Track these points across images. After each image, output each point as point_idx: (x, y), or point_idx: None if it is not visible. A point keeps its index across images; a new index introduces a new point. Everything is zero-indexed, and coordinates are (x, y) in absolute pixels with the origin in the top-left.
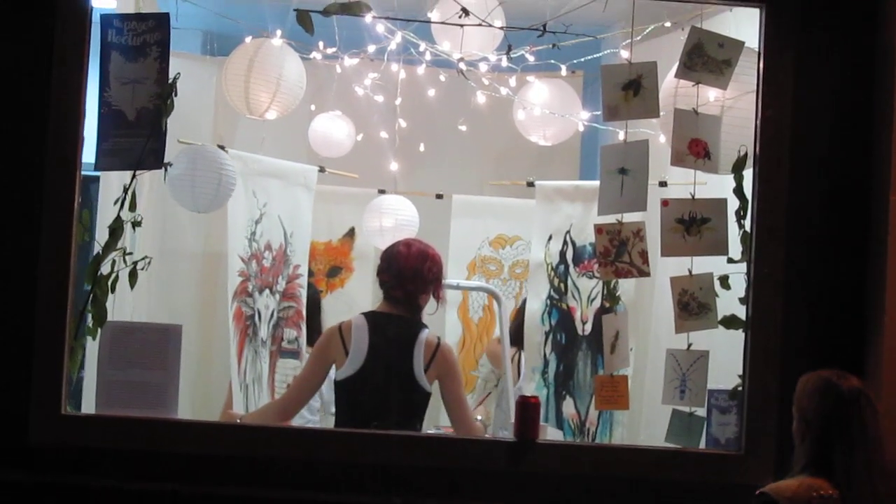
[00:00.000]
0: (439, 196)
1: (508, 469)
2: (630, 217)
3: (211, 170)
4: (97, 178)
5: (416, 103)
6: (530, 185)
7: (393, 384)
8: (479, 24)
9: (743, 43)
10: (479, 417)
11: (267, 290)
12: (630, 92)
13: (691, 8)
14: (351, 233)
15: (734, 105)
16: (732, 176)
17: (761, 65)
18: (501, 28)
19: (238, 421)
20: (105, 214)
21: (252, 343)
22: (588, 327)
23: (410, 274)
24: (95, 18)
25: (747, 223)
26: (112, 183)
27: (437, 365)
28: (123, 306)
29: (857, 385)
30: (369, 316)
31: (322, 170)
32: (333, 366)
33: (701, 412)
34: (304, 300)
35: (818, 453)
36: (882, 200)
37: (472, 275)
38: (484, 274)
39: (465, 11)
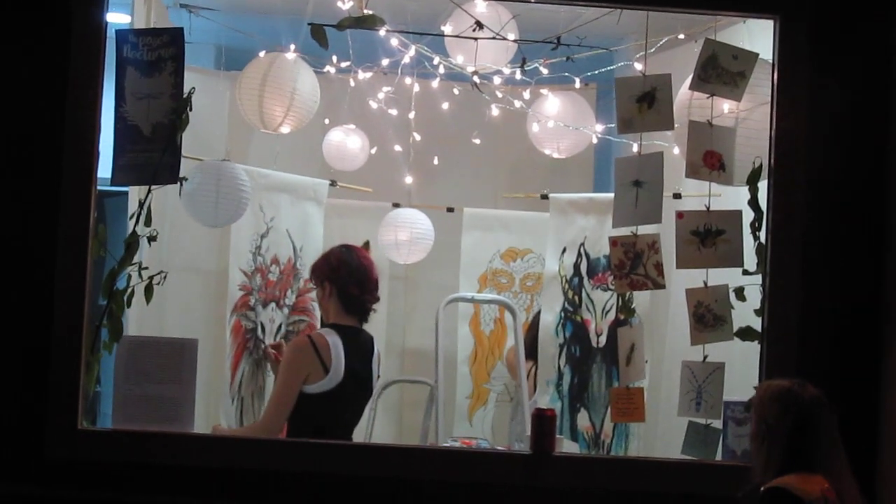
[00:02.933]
0: (450, 209)
1: (525, 482)
2: (645, 229)
3: (232, 186)
4: (113, 193)
5: (429, 116)
6: (544, 197)
7: (365, 396)
8: (493, 38)
9: (757, 55)
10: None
11: (273, 304)
12: (644, 104)
13: (705, 20)
14: (366, 246)
15: (748, 117)
16: (747, 188)
17: (775, 76)
18: (515, 41)
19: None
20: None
21: (252, 356)
22: (602, 339)
23: (375, 285)
24: (110, 34)
25: (762, 235)
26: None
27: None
28: (129, 323)
29: (816, 393)
30: (339, 331)
31: (333, 183)
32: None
33: (717, 424)
34: (317, 314)
35: (798, 456)
36: None
37: (483, 288)
38: (495, 287)
39: (479, 25)
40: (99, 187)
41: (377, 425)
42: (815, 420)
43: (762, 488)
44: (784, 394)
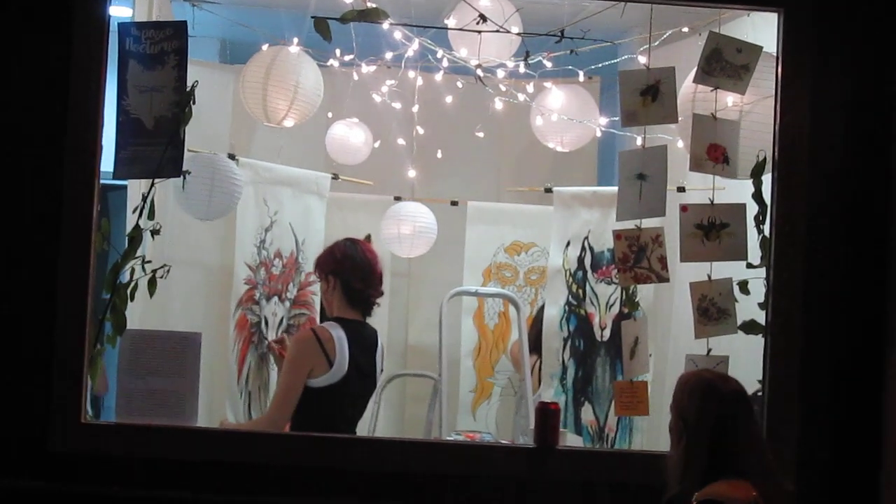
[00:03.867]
0: (454, 203)
1: (529, 475)
2: (649, 223)
3: (226, 179)
4: (116, 187)
5: (433, 110)
6: (548, 191)
7: (368, 390)
8: (497, 31)
9: (761, 48)
10: None
11: (276, 298)
12: (648, 97)
13: (709, 13)
14: (367, 239)
15: (752, 110)
16: (751, 181)
17: (779, 69)
18: (519, 34)
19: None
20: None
21: (258, 350)
22: (606, 333)
23: (379, 279)
24: (113, 27)
25: (766, 228)
26: (138, 192)
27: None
28: (132, 317)
29: (738, 388)
30: (343, 324)
31: (336, 177)
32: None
33: None
34: (317, 307)
35: (720, 457)
36: None
37: (487, 281)
38: (499, 280)
39: (483, 18)
40: (102, 181)
41: (380, 419)
42: (737, 418)
43: (694, 499)
44: (704, 388)
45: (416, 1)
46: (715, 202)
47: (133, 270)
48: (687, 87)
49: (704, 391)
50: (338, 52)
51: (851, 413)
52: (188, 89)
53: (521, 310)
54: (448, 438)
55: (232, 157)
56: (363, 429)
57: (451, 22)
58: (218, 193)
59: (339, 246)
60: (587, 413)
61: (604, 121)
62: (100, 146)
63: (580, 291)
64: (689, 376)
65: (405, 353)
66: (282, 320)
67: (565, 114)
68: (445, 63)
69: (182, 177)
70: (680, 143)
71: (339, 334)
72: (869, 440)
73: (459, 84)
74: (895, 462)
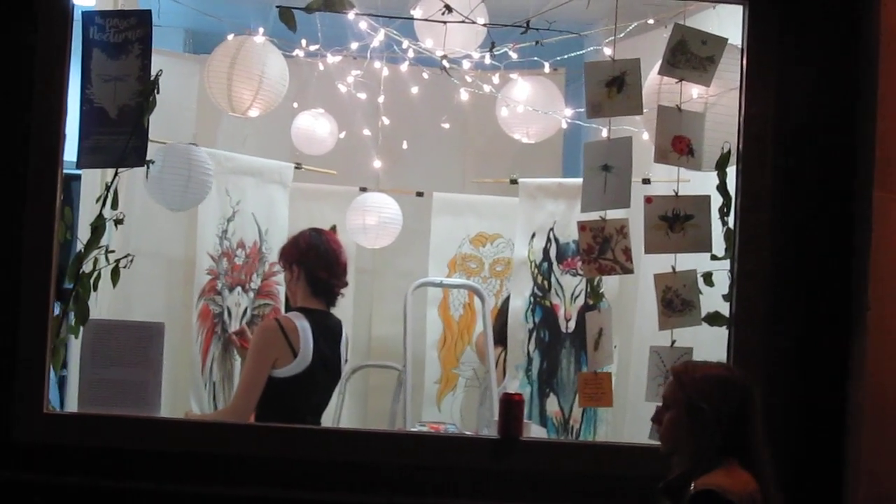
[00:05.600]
0: (420, 194)
1: (492, 466)
2: (614, 214)
3: (201, 170)
4: (79, 176)
5: (398, 101)
6: (514, 182)
7: (333, 380)
8: (462, 21)
9: (726, 40)
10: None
11: (239, 288)
12: (613, 89)
13: (675, 5)
14: (332, 230)
15: (717, 102)
16: (716, 173)
17: (744, 61)
18: (484, 25)
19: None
20: (86, 212)
21: (220, 340)
22: (571, 325)
23: (344, 269)
24: (77, 16)
25: (731, 220)
26: (91, 181)
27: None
28: (95, 307)
29: (749, 380)
30: (307, 314)
31: (298, 166)
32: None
33: None
34: (282, 298)
35: (731, 447)
36: (866, 197)
37: (452, 272)
38: (464, 272)
39: (448, 8)
40: (65, 170)
41: (345, 411)
42: (755, 405)
43: (692, 487)
44: (723, 377)
45: None
46: (679, 194)
47: (96, 260)
48: (652, 79)
49: (724, 380)
50: (303, 42)
51: (816, 405)
52: (152, 78)
53: (486, 301)
54: (413, 429)
55: (194, 146)
56: (328, 420)
57: (416, 12)
58: (194, 184)
59: (303, 236)
60: (552, 404)
61: (569, 112)
62: (63, 135)
63: (545, 283)
64: (695, 365)
65: (369, 345)
66: (245, 311)
67: (531, 105)
68: (411, 54)
69: (146, 166)
70: (645, 135)
71: (303, 324)
72: (833, 428)
73: (425, 75)
74: (858, 456)
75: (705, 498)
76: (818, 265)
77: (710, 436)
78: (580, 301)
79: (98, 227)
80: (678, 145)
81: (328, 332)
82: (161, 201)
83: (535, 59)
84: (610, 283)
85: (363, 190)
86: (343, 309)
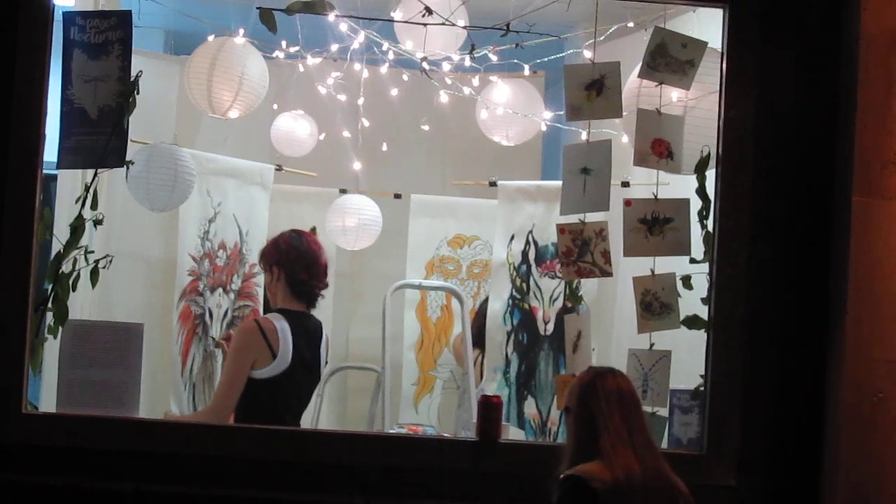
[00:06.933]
0: (398, 196)
1: (470, 468)
2: (593, 217)
3: (187, 171)
4: (55, 176)
5: (378, 103)
6: (493, 184)
7: (313, 381)
8: (443, 24)
9: (706, 43)
10: None
11: (220, 289)
12: (593, 92)
13: (655, 8)
14: (312, 231)
15: (697, 105)
16: (695, 176)
17: (724, 65)
18: (464, 27)
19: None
20: (62, 212)
21: (202, 342)
22: (550, 327)
23: (324, 270)
24: (57, 16)
25: (710, 223)
26: (69, 181)
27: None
28: (74, 307)
29: (619, 385)
30: (287, 316)
31: (279, 168)
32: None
33: (663, 412)
34: (261, 299)
35: (590, 440)
36: (845, 201)
37: (430, 274)
38: (442, 274)
39: (429, 11)
40: (45, 171)
41: (323, 412)
42: (599, 397)
43: (559, 476)
44: (577, 380)
45: None
46: (659, 197)
47: (76, 261)
48: (632, 82)
49: (577, 382)
50: (283, 43)
51: (793, 406)
52: (132, 79)
53: (464, 303)
54: (391, 431)
55: (177, 147)
56: (306, 422)
57: (397, 14)
58: (180, 184)
59: (283, 237)
60: (530, 407)
61: (549, 115)
62: (43, 135)
63: (524, 285)
64: (580, 374)
65: (347, 347)
66: (226, 312)
67: (510, 108)
68: (391, 56)
69: (126, 167)
70: (625, 138)
71: (282, 325)
72: (811, 433)
73: (405, 77)
74: (838, 455)
75: (565, 481)
76: (797, 269)
77: (574, 433)
78: (559, 304)
79: (78, 227)
80: (658, 148)
81: (308, 334)
82: (144, 202)
83: (515, 61)
84: (589, 286)
85: (343, 192)
86: (322, 309)
